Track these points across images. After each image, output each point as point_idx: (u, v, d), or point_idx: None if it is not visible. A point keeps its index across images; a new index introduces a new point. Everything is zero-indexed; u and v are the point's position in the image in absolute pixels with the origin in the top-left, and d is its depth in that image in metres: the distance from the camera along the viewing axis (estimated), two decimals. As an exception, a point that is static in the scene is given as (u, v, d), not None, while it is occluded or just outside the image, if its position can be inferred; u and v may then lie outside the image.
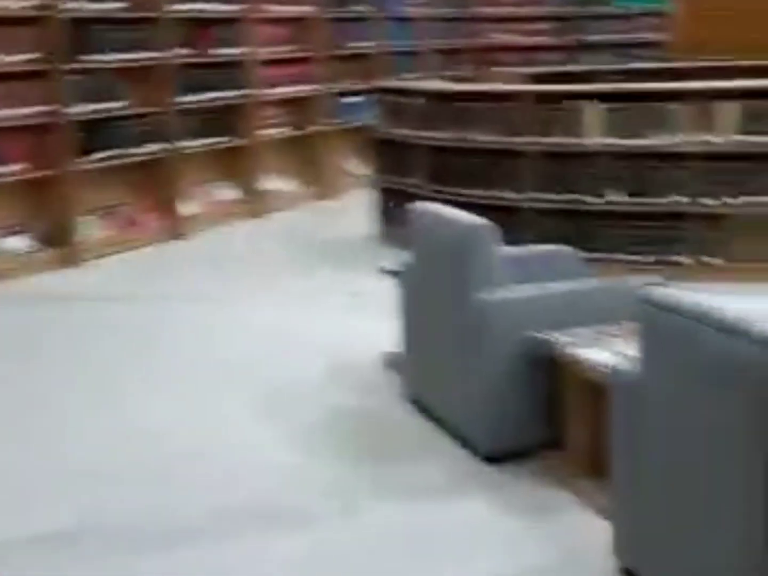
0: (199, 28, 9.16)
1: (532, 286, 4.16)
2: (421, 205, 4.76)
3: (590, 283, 4.34)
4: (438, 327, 4.39)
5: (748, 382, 2.59)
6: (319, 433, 4.57)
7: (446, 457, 4.24)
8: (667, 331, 2.90)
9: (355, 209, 9.30)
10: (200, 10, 9.14)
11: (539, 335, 3.98)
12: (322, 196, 10.55)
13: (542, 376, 4.02)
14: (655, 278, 4.02)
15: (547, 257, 4.77)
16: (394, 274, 5.17)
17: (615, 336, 3.88)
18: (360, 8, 11.35)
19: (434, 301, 4.41)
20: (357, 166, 11.17)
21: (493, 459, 4.11)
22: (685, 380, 2.84)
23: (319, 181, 10.63)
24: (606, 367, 3.50)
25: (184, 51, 8.92)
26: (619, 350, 3.66)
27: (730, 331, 2.63)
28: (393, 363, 5.11)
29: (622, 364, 3.27)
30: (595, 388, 3.64)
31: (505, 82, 9.19)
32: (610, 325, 3.99)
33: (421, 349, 4.61)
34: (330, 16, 10.82)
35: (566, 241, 5.18)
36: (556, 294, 4.16)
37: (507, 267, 4.18)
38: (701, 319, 2.74)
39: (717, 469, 2.76)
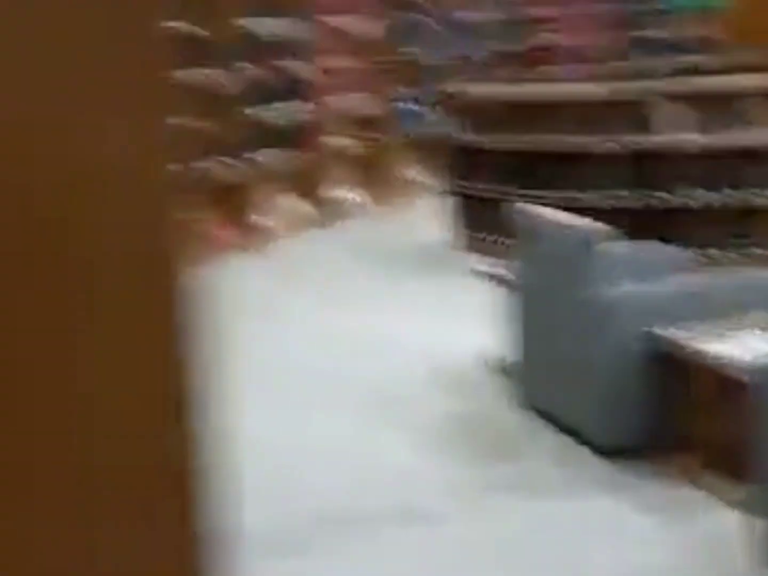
0: (265, 44, 9.25)
1: (651, 282, 4.17)
2: (521, 209, 4.77)
3: (709, 277, 4.34)
4: (555, 327, 4.42)
5: None
6: (433, 435, 4.60)
7: (565, 455, 4.26)
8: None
9: (423, 217, 9.31)
10: (264, 27, 9.23)
11: (661, 331, 3.99)
12: (389, 205, 10.58)
13: (663, 371, 4.03)
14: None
15: (652, 253, 4.78)
16: (488, 276, 5.17)
17: (742, 329, 3.87)
18: (416, 16, 11.40)
19: (550, 302, 4.44)
20: (421, 174, 11.19)
21: (613, 455, 4.11)
22: None
23: (386, 191, 10.67)
24: (739, 361, 3.48)
25: (251, 66, 9.01)
26: (752, 344, 3.65)
27: None
28: (502, 367, 5.09)
29: (762, 359, 3.25)
30: (725, 383, 3.63)
31: (568, 82, 9.17)
32: (734, 318, 3.98)
33: (535, 351, 4.63)
34: (388, 26, 10.87)
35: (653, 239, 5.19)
36: (676, 289, 4.17)
37: (620, 265, 4.20)
38: None
39: None
